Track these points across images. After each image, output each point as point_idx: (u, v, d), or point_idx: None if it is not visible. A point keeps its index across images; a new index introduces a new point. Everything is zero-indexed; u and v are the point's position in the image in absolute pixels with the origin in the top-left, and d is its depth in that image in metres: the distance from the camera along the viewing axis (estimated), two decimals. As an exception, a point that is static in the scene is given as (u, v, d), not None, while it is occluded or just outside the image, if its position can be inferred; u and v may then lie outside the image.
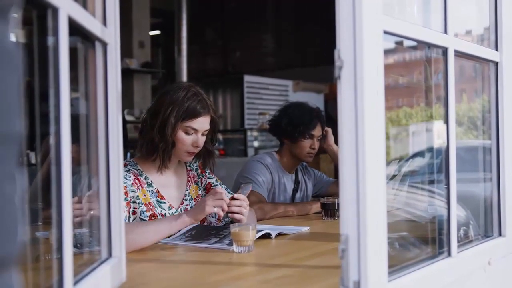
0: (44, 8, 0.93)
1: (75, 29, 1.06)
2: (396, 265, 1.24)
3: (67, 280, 0.96)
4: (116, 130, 1.31)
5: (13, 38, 0.54)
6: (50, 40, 0.97)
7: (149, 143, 2.12)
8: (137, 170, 2.13)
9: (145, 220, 2.06)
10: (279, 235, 2.07)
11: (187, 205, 2.22)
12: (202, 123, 2.12)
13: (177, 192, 2.23)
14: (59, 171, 0.95)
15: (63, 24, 0.96)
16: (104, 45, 1.28)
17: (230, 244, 1.81)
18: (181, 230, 2.04)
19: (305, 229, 2.24)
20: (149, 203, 2.09)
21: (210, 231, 2.05)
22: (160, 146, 2.09)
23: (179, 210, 2.18)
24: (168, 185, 2.20)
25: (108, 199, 1.30)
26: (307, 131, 2.85)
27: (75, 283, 1.03)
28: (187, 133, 2.11)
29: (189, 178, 2.29)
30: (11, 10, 0.53)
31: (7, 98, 0.49)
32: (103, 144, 1.29)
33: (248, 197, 2.70)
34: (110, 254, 1.30)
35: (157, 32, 9.39)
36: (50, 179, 0.97)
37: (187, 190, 2.26)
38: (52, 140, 0.97)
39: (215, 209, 1.93)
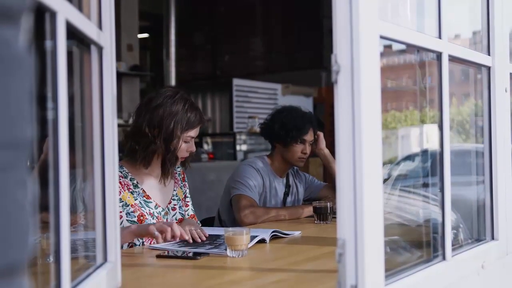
0: (41, 11, 0.93)
1: (71, 32, 1.06)
2: (392, 269, 1.24)
3: (65, 285, 0.95)
4: (111, 134, 1.30)
5: (23, 43, 0.53)
6: (48, 44, 0.96)
7: (151, 154, 2.17)
8: (121, 172, 2.17)
9: (133, 221, 2.10)
10: (273, 237, 2.07)
11: (175, 205, 2.30)
12: (198, 130, 2.25)
13: (165, 193, 2.28)
14: (57, 175, 0.94)
15: (61, 27, 0.96)
16: (100, 49, 1.27)
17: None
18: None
19: (297, 233, 2.24)
20: (135, 203, 2.13)
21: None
22: (167, 157, 2.16)
23: (166, 209, 2.25)
24: (155, 186, 2.25)
25: (103, 203, 1.29)
26: (300, 136, 2.85)
27: (72, 288, 1.02)
28: (186, 142, 2.20)
29: (176, 180, 2.36)
30: (22, 16, 0.52)
31: (19, 105, 0.48)
32: (98, 148, 1.28)
33: (239, 201, 2.71)
34: (105, 259, 1.29)
35: (145, 35, 9.37)
36: (42, 183, 0.96)
37: (174, 190, 2.33)
38: (49, 144, 0.96)
39: (156, 233, 1.86)
